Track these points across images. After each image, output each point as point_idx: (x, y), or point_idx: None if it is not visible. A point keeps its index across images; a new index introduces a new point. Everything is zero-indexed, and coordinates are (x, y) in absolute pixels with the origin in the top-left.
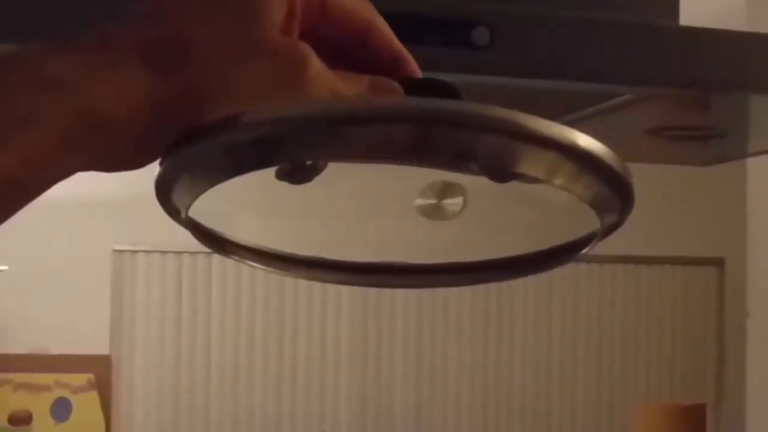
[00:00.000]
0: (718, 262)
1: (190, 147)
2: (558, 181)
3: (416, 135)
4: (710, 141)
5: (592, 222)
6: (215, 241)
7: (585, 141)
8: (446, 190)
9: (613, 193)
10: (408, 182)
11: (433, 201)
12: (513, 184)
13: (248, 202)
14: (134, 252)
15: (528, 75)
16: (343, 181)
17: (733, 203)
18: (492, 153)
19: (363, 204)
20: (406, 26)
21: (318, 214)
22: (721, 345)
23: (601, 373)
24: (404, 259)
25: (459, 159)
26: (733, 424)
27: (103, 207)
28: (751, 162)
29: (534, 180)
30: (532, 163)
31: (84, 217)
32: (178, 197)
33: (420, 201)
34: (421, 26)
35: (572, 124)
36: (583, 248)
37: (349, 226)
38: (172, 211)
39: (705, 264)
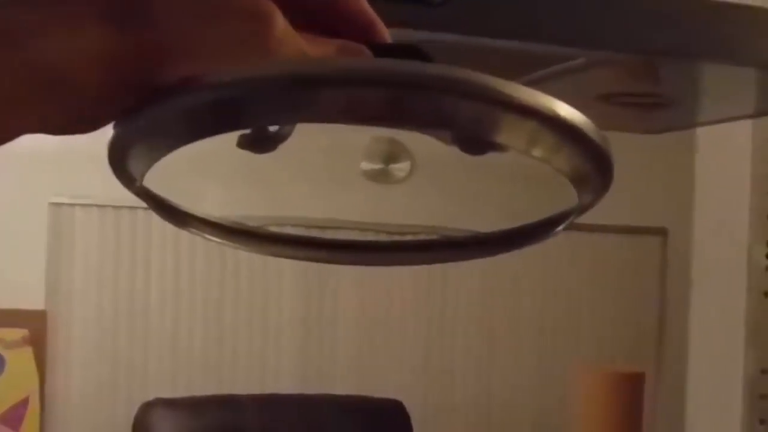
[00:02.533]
0: (661, 232)
1: (147, 110)
2: (537, 152)
3: (388, 99)
4: (660, 109)
5: (543, 192)
6: (170, 212)
7: (567, 111)
8: (393, 154)
9: (593, 168)
10: (354, 142)
11: (380, 165)
12: (460, 153)
13: (190, 166)
14: (72, 205)
15: (481, 34)
16: (287, 143)
17: (680, 174)
18: (468, 120)
19: (309, 167)
20: None
21: (263, 177)
22: (663, 314)
23: (545, 338)
24: (350, 223)
25: (433, 125)
26: (672, 392)
27: (40, 159)
28: (701, 133)
29: (512, 150)
30: (511, 132)
31: (20, 169)
32: (132, 164)
33: (366, 165)
34: None
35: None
36: (560, 224)
37: (294, 189)
38: (126, 179)
39: (649, 233)
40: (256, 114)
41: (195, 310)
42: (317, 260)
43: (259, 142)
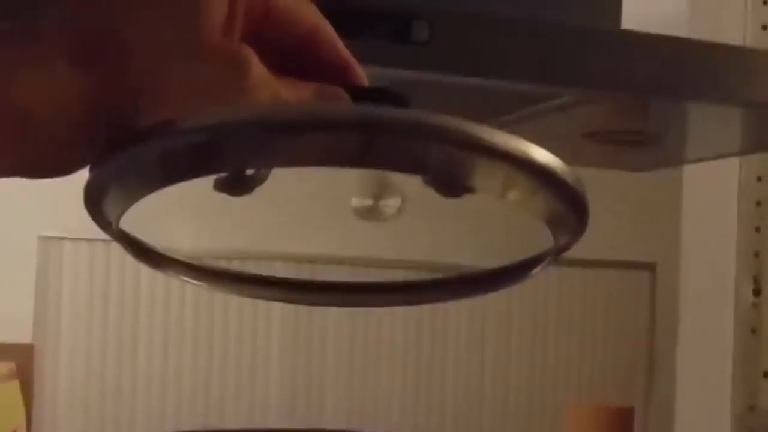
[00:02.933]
0: (650, 267)
1: (121, 153)
2: (512, 196)
3: (361, 143)
4: (647, 147)
5: (529, 236)
6: (147, 255)
7: (541, 155)
8: (383, 190)
9: (569, 211)
10: (344, 181)
11: (370, 202)
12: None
13: (178, 206)
14: (61, 239)
15: (467, 73)
16: (276, 182)
17: (667, 208)
18: (442, 164)
19: (298, 205)
20: (345, 19)
21: (251, 217)
22: (652, 349)
23: (533, 374)
24: (340, 261)
25: (407, 169)
26: (661, 427)
27: (29, 192)
28: (687, 169)
29: (486, 194)
30: (483, 176)
31: (9, 202)
32: (108, 207)
33: (356, 201)
34: (361, 19)
35: (510, 124)
36: (535, 267)
37: (284, 228)
38: (102, 222)
39: (637, 268)
40: (231, 158)
41: (184, 344)
42: (297, 302)
43: (236, 185)
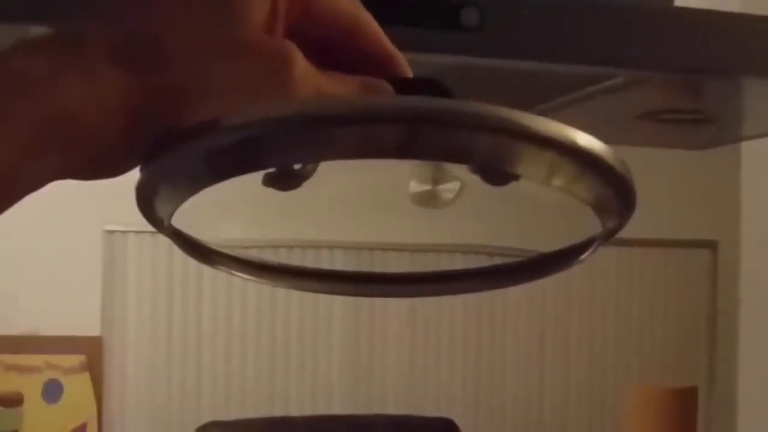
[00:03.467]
0: (711, 245)
1: (169, 153)
2: (558, 182)
3: (408, 135)
4: (704, 125)
5: (586, 218)
6: (201, 251)
7: (585, 140)
8: (441, 175)
9: (615, 195)
10: (402, 169)
11: (428, 187)
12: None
13: (233, 201)
14: (125, 233)
15: (518, 57)
16: (335, 171)
17: (727, 186)
18: (488, 153)
19: (357, 196)
20: (394, 7)
21: (309, 210)
22: (714, 328)
23: (594, 355)
24: (399, 249)
25: (453, 159)
26: (724, 407)
27: (93, 188)
28: (746, 145)
29: (532, 181)
30: (530, 163)
31: (74, 198)
32: (160, 206)
33: (415, 187)
34: (409, 7)
35: (563, 107)
36: (584, 252)
37: (343, 216)
38: (155, 221)
39: (698, 246)
40: (278, 154)
41: (246, 333)
42: (345, 294)
43: (284, 180)
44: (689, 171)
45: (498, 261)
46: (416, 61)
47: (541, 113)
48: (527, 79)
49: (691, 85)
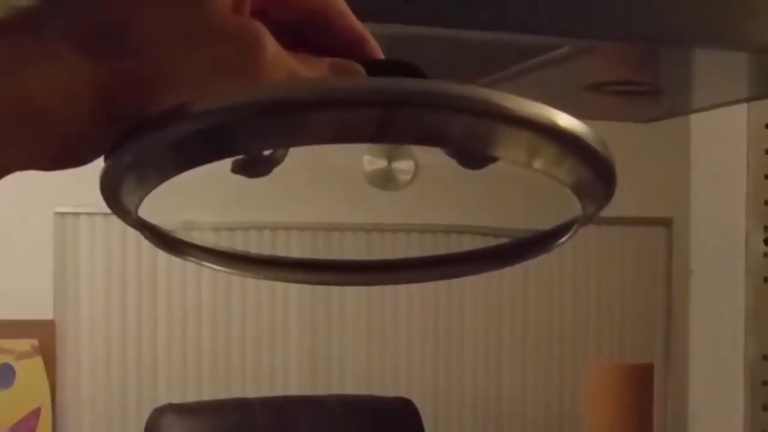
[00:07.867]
0: (666, 222)
1: (135, 141)
2: (538, 165)
3: (382, 118)
4: (653, 97)
5: (548, 196)
6: (168, 242)
7: (566, 121)
8: (396, 153)
9: (596, 177)
10: (356, 148)
11: (384, 164)
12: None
13: (186, 183)
14: (77, 215)
15: (461, 26)
16: (289, 156)
17: (678, 162)
18: (464, 135)
19: (311, 174)
20: None
21: (265, 192)
22: (669, 304)
23: (552, 332)
24: (352, 225)
25: (428, 142)
26: (677, 382)
27: None
28: (695, 119)
29: (511, 163)
30: (507, 145)
31: (24, 180)
32: (125, 196)
33: (369, 165)
34: None
35: (507, 79)
36: (563, 236)
37: (299, 198)
38: (121, 211)
39: (653, 224)
40: (247, 141)
41: (202, 314)
42: (314, 283)
43: (253, 167)
44: (641, 147)
45: (460, 240)
46: None
47: (484, 86)
48: (470, 50)
49: (639, 56)
